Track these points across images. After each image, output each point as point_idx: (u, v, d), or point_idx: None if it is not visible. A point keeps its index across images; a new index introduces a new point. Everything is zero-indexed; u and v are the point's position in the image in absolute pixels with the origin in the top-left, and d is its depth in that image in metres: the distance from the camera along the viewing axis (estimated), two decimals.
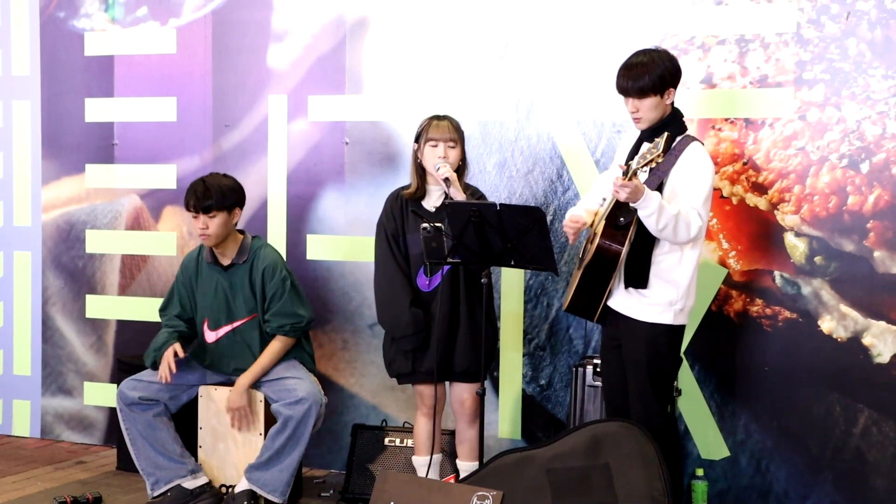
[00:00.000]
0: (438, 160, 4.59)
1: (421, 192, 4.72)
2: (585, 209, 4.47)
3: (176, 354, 4.98)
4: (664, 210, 4.05)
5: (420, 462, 4.82)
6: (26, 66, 6.33)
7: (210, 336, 5.13)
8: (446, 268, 4.59)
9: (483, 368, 4.48)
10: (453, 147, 4.64)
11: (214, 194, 4.93)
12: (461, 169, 4.70)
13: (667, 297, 4.21)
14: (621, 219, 4.15)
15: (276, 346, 5.03)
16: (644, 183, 4.09)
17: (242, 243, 5.07)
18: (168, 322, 5.17)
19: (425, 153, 4.66)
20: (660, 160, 4.07)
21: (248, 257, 5.05)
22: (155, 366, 5.03)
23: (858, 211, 4.85)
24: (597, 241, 4.18)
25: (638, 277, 4.21)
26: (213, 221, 4.94)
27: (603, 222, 4.20)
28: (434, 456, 4.75)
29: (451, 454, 5.02)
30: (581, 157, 5.26)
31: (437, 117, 4.71)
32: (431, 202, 4.71)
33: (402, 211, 4.73)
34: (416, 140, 4.72)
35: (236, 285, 5.06)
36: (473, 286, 4.64)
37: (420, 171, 4.72)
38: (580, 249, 4.57)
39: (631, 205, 4.06)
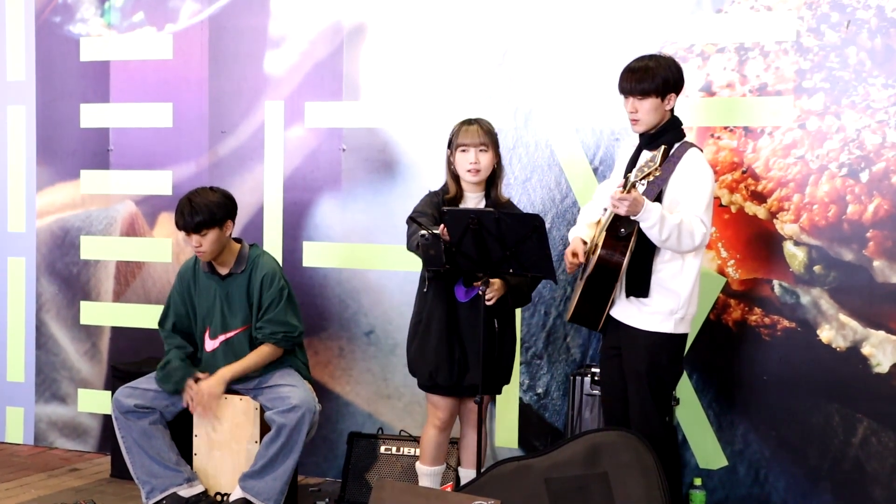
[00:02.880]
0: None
1: (459, 196, 4.62)
2: (587, 224, 4.47)
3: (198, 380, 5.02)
4: (666, 221, 4.03)
5: (424, 471, 4.75)
6: (21, 71, 6.30)
7: (209, 345, 5.10)
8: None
9: (482, 378, 4.44)
10: (485, 151, 4.53)
11: (202, 212, 4.87)
12: (496, 173, 4.61)
13: (668, 305, 4.20)
14: (622, 230, 4.13)
15: (266, 350, 5.01)
16: (643, 194, 4.07)
17: (240, 253, 5.04)
18: (170, 339, 5.13)
19: (457, 159, 4.56)
20: (658, 173, 4.06)
21: (247, 266, 5.02)
22: (177, 391, 5.01)
23: (858, 220, 4.84)
24: (598, 252, 4.16)
25: (639, 286, 4.19)
26: (206, 239, 4.90)
27: (604, 234, 4.18)
28: (438, 467, 4.74)
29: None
30: (579, 164, 5.24)
31: (468, 121, 4.59)
32: (469, 206, 4.62)
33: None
34: (449, 146, 4.62)
35: (233, 295, 5.03)
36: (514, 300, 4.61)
37: (455, 177, 4.61)
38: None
39: (632, 217, 4.05)
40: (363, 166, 5.63)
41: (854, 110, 4.84)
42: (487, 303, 4.41)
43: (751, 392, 5.05)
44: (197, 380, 5.00)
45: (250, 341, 5.04)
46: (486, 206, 4.56)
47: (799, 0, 4.90)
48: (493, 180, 4.61)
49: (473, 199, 4.62)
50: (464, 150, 4.53)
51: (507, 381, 4.73)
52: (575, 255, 4.35)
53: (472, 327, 4.50)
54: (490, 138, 4.55)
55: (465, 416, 4.71)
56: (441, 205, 4.57)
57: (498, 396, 5.33)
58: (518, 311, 5.32)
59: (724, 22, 5.01)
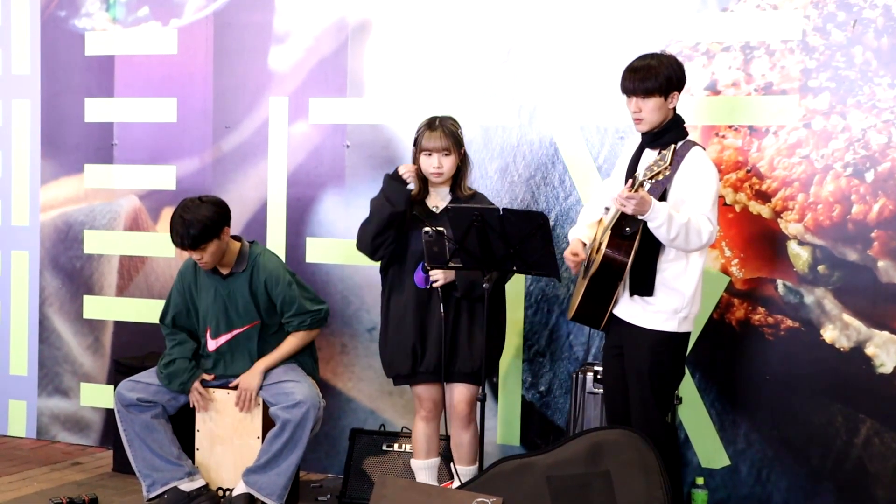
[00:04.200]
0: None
1: (424, 193, 4.70)
2: (587, 224, 4.47)
3: (203, 381, 5.06)
4: (673, 220, 4.01)
5: (418, 465, 4.79)
6: (26, 65, 6.30)
7: (211, 344, 5.10)
8: None
9: (481, 372, 4.44)
10: (447, 155, 4.60)
11: (197, 230, 4.80)
12: (461, 171, 4.66)
13: (672, 304, 4.19)
14: (627, 229, 4.12)
15: (300, 335, 5.05)
16: (647, 192, 4.06)
17: (241, 251, 5.03)
18: (171, 336, 5.14)
19: (421, 162, 4.63)
20: (667, 172, 4.04)
21: (248, 265, 5.01)
22: (183, 391, 5.04)
23: (862, 220, 4.83)
24: (602, 250, 4.15)
25: (643, 285, 4.18)
26: (207, 251, 4.87)
27: (608, 233, 4.17)
28: (432, 460, 4.74)
29: (447, 458, 4.99)
30: (583, 162, 5.23)
31: (431, 125, 4.64)
32: (433, 202, 4.69)
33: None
34: (415, 144, 4.69)
35: (236, 293, 5.01)
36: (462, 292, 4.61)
37: (421, 174, 4.67)
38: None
39: (639, 217, 4.03)
40: (367, 163, 5.63)
41: (860, 110, 4.82)
42: (434, 285, 4.54)
43: (753, 391, 5.04)
44: (203, 381, 5.02)
45: (259, 337, 5.05)
46: (451, 201, 4.63)
47: None
48: (458, 176, 4.66)
49: (439, 195, 4.68)
50: (428, 155, 4.61)
51: (488, 374, 4.71)
52: (575, 254, 4.35)
53: (434, 315, 4.60)
54: (453, 140, 4.62)
55: (449, 412, 4.72)
56: (410, 200, 4.66)
57: (500, 394, 5.35)
58: (521, 309, 5.34)
59: (729, 20, 5.00)
